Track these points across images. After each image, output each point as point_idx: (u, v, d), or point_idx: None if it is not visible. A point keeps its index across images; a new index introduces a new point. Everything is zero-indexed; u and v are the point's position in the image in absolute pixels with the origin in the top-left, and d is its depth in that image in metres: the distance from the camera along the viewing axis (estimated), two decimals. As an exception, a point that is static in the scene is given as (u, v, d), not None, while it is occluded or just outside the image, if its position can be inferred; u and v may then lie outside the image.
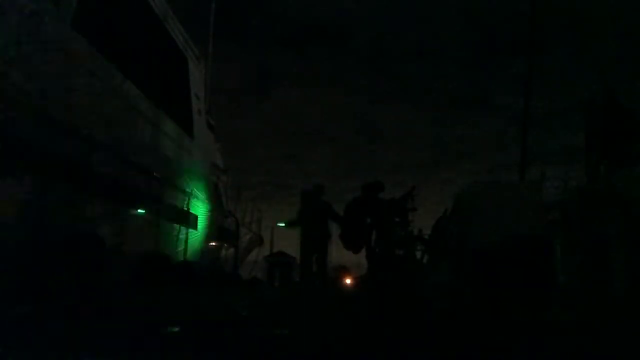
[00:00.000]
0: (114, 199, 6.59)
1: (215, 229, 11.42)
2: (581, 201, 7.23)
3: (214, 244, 11.37)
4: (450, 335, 3.80)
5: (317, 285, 7.56)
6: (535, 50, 9.90)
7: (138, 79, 7.28)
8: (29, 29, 4.91)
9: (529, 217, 6.48)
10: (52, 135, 5.25)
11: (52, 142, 5.22)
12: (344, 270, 15.73)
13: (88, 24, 5.89)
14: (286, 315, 5.04)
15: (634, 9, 8.38)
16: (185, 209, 9.20)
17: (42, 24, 5.13)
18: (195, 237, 9.68)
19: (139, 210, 7.43)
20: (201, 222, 10.04)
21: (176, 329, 3.71)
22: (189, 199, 9.07)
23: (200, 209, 10.06)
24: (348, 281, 14.78)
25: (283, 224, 8.82)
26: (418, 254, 8.39)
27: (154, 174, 7.83)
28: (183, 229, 8.92)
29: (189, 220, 9.37)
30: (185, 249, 8.78)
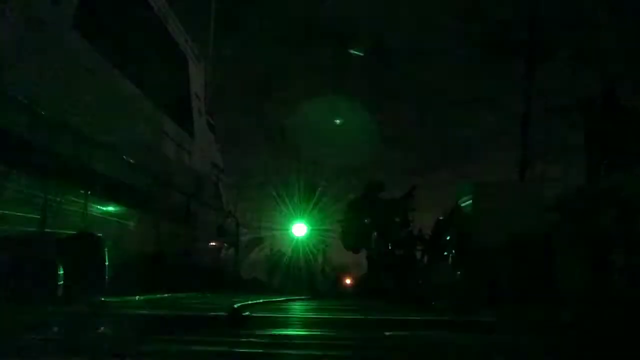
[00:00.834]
0: (114, 199, 6.59)
1: (215, 229, 11.43)
2: (581, 201, 7.23)
3: (214, 244, 11.38)
4: (451, 334, 3.81)
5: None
6: (535, 50, 9.91)
7: (138, 79, 7.28)
8: (29, 29, 4.92)
9: (529, 217, 6.49)
10: (52, 135, 5.25)
11: (51, 142, 5.22)
12: (344, 270, 15.75)
13: (88, 24, 5.89)
14: (286, 316, 5.05)
15: (634, 8, 8.39)
16: (185, 208, 9.20)
17: (42, 24, 5.13)
18: (195, 237, 9.68)
19: (139, 210, 7.43)
20: (201, 222, 10.04)
21: (176, 329, 3.71)
22: (189, 199, 9.07)
23: (200, 208, 10.06)
24: (348, 281, 14.80)
25: None
26: (418, 254, 8.40)
27: (154, 173, 7.84)
28: (183, 229, 8.93)
29: (189, 220, 9.37)
30: (185, 249, 8.78)
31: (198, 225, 9.80)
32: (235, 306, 4.08)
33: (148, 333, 3.06)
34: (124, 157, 6.82)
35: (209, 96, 12.50)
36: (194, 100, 10.47)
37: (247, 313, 3.74)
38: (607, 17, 8.45)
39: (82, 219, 5.88)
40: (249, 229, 15.12)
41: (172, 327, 3.43)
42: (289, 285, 12.33)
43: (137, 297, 5.67)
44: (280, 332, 3.38)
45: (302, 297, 7.49)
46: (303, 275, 13.38)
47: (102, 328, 3.32)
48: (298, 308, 5.91)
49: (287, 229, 15.14)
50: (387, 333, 3.40)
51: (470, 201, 7.13)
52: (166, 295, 6.45)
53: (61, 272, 4.61)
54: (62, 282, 4.59)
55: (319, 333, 3.38)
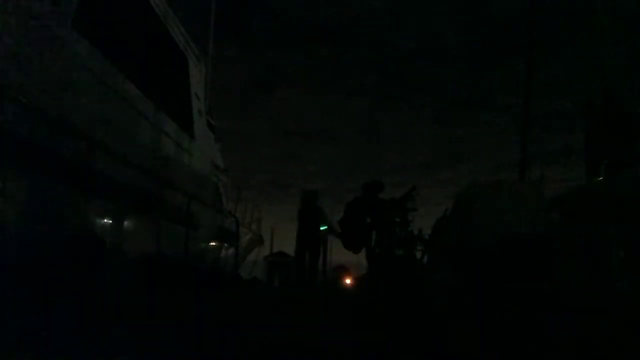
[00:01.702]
0: (114, 199, 6.59)
1: (215, 229, 11.43)
2: (581, 201, 7.23)
3: (214, 244, 11.37)
4: (450, 335, 3.81)
5: (310, 285, 7.62)
6: (535, 50, 9.91)
7: (138, 79, 7.29)
8: (29, 29, 4.92)
9: (529, 217, 6.49)
10: (52, 135, 5.25)
11: (51, 142, 5.23)
12: (344, 270, 15.77)
13: (88, 24, 5.89)
14: (285, 316, 5.05)
15: (634, 8, 8.39)
16: (185, 209, 9.20)
17: (42, 24, 5.14)
18: (195, 237, 9.68)
19: (139, 211, 7.44)
20: (201, 222, 10.04)
21: (176, 330, 3.71)
22: (189, 199, 9.06)
23: (200, 209, 10.06)
24: (348, 281, 14.81)
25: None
26: (418, 254, 8.40)
27: (154, 174, 7.84)
28: (183, 229, 8.92)
29: (189, 220, 9.37)
30: (185, 249, 8.78)
31: (198, 225, 9.80)
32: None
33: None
34: (124, 157, 6.82)
35: (208, 96, 12.51)
36: (194, 100, 10.47)
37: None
38: (608, 17, 8.44)
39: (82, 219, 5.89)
40: (249, 229, 15.14)
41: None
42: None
43: None
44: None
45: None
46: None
47: None
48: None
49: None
50: None
51: (470, 200, 7.13)
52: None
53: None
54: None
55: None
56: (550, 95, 9.96)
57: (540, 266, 6.00)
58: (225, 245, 12.27)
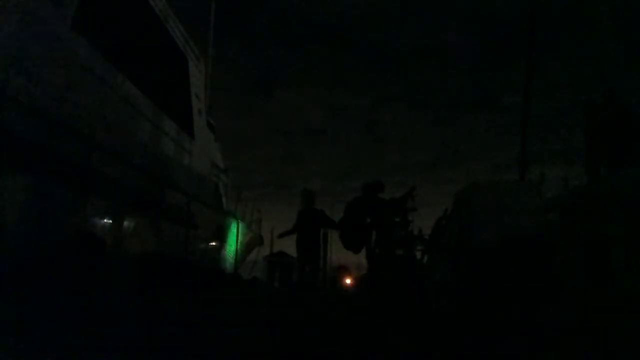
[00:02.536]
0: (114, 199, 6.59)
1: (215, 229, 11.43)
2: (581, 201, 7.23)
3: (214, 244, 11.38)
4: (451, 335, 3.81)
5: (311, 286, 7.60)
6: (535, 50, 9.90)
7: (138, 79, 7.29)
8: (29, 28, 4.92)
9: (529, 217, 6.48)
10: (52, 136, 5.25)
11: (52, 142, 5.23)
12: (344, 270, 15.78)
13: (88, 24, 5.89)
14: (285, 316, 5.05)
15: (634, 8, 8.39)
16: (185, 209, 9.20)
17: (42, 24, 5.14)
18: (195, 237, 9.68)
19: (139, 211, 7.44)
20: (201, 222, 10.04)
21: (176, 330, 3.71)
22: (189, 199, 9.07)
23: (200, 209, 10.06)
24: (348, 281, 14.81)
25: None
26: (418, 254, 8.39)
27: (154, 174, 7.84)
28: (183, 229, 8.93)
29: (189, 220, 9.37)
30: (186, 249, 8.78)
31: (198, 225, 9.81)
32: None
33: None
34: (123, 157, 6.82)
35: (208, 96, 12.51)
36: (194, 100, 10.48)
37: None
38: (608, 17, 8.43)
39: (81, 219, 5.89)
40: (249, 229, 15.14)
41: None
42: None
43: None
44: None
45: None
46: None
47: None
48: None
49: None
50: None
51: (470, 200, 7.12)
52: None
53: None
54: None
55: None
56: (551, 95, 9.95)
57: (540, 266, 5.99)
58: (225, 245, 12.28)
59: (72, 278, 4.81)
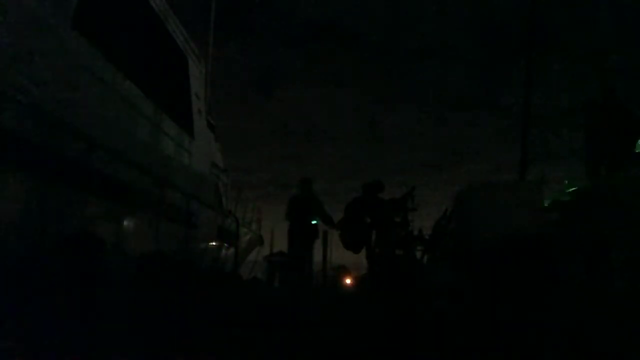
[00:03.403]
0: (114, 199, 6.58)
1: (215, 229, 11.42)
2: (581, 201, 7.22)
3: (214, 244, 11.37)
4: (451, 335, 3.81)
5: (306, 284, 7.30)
6: (535, 50, 9.90)
7: (138, 79, 7.28)
8: (29, 28, 4.92)
9: (529, 217, 6.47)
10: (52, 135, 5.25)
11: (51, 142, 5.22)
12: (344, 270, 15.77)
13: (88, 24, 5.89)
14: (285, 316, 5.05)
15: (634, 8, 8.39)
16: (185, 209, 9.19)
17: (41, 24, 5.13)
18: (195, 237, 9.67)
19: (139, 211, 7.43)
20: (201, 222, 10.03)
21: (176, 330, 3.71)
22: (189, 199, 9.05)
23: (200, 209, 10.05)
24: (348, 281, 14.81)
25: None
26: (418, 254, 8.39)
27: (154, 174, 7.83)
28: (183, 229, 8.91)
29: (189, 220, 9.36)
30: (185, 249, 8.77)
31: (197, 225, 9.80)
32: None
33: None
34: (122, 157, 6.81)
35: (208, 96, 12.50)
36: (194, 100, 10.47)
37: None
38: (608, 17, 8.43)
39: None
40: (249, 229, 15.13)
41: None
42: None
43: None
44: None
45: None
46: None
47: None
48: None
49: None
50: None
51: (470, 200, 7.11)
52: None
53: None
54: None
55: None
56: (551, 95, 9.95)
57: (541, 267, 5.99)
58: (225, 245, 12.27)
59: (69, 278, 4.80)
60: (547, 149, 9.48)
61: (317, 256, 10.90)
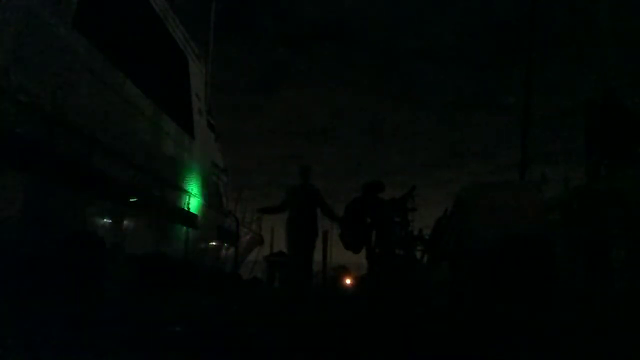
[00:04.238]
0: (114, 199, 6.59)
1: (215, 229, 11.42)
2: (581, 201, 7.22)
3: (214, 244, 11.37)
4: (451, 335, 3.81)
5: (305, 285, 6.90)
6: (535, 51, 9.90)
7: (138, 79, 7.28)
8: (29, 28, 4.92)
9: (529, 217, 6.47)
10: (52, 135, 5.25)
11: (52, 142, 5.22)
12: (344, 270, 15.76)
13: (88, 24, 5.89)
14: (285, 316, 5.05)
15: (634, 8, 8.39)
16: (185, 209, 9.20)
17: (42, 24, 5.13)
18: (195, 237, 9.68)
19: (139, 210, 7.43)
20: (201, 222, 10.04)
21: (176, 330, 3.71)
22: (189, 199, 9.06)
23: (200, 209, 10.06)
24: (348, 281, 14.80)
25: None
26: (418, 254, 8.38)
27: (154, 173, 7.83)
28: (183, 229, 8.92)
29: (189, 220, 9.37)
30: (185, 249, 8.78)
31: (198, 225, 9.80)
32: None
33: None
34: (123, 156, 6.81)
35: (209, 96, 12.50)
36: (194, 100, 10.47)
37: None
38: (608, 17, 8.43)
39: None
40: (249, 229, 15.13)
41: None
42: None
43: None
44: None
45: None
46: None
47: None
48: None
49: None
50: None
51: (470, 200, 7.11)
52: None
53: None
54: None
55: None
56: (551, 95, 9.96)
57: (540, 266, 5.99)
58: (225, 245, 12.27)
59: (69, 278, 4.80)
60: (547, 149, 9.48)
61: (317, 256, 10.90)
